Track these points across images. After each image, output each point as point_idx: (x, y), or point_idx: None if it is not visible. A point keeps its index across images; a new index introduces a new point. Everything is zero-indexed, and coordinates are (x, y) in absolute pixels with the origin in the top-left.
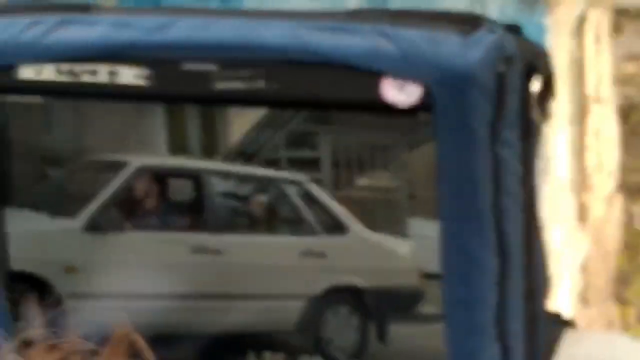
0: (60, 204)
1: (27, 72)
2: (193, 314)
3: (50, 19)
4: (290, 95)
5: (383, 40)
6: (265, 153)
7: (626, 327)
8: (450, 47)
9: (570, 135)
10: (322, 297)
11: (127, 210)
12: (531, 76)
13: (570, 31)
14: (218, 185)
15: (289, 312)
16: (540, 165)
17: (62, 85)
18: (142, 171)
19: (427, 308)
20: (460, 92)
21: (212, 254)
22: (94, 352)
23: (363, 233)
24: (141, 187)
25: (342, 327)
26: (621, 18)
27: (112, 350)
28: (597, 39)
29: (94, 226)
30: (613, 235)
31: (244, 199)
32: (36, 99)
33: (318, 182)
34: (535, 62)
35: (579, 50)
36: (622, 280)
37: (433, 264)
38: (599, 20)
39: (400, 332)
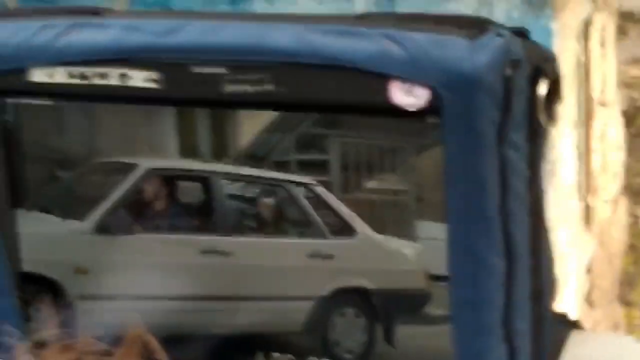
0: (71, 206)
1: (38, 75)
2: (202, 315)
3: (62, 22)
4: (299, 98)
5: (391, 44)
6: (275, 156)
7: (631, 329)
8: (457, 50)
9: (576, 138)
10: (329, 299)
11: (137, 212)
12: (538, 79)
13: (576, 35)
14: (227, 188)
15: (297, 313)
16: (546, 167)
17: (73, 88)
18: (151, 173)
19: (434, 310)
20: (468, 95)
21: (221, 255)
22: (107, 353)
23: (370, 235)
24: (150, 189)
25: (349, 329)
26: (625, 22)
27: (126, 350)
28: (603, 43)
29: (104, 228)
30: (618, 237)
31: (252, 201)
32: (48, 102)
33: (327, 184)
34: (543, 65)
35: (584, 53)
36: (627, 282)
37: (440, 266)
38: (605, 24)
39: (407, 333)
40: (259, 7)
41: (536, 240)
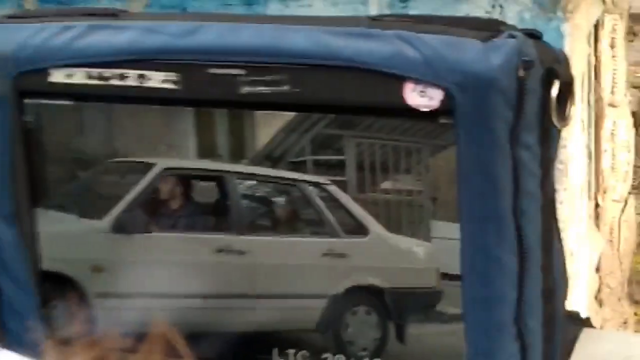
0: (88, 205)
1: (58, 76)
2: (216, 313)
3: (81, 24)
4: (315, 99)
5: (405, 46)
6: (291, 156)
7: None
8: (471, 52)
9: (586, 138)
10: (342, 297)
11: (153, 211)
12: (551, 81)
13: (587, 36)
14: (241, 187)
15: (311, 311)
16: (558, 167)
17: (92, 89)
18: (167, 173)
19: (446, 308)
20: (481, 97)
21: (235, 254)
22: (131, 350)
23: (383, 234)
24: (166, 188)
25: (362, 326)
26: (635, 23)
27: (150, 347)
28: (613, 44)
29: (121, 227)
30: (627, 236)
31: (266, 200)
32: (67, 102)
33: (343, 185)
34: (555, 67)
35: (594, 55)
36: (636, 281)
37: (453, 265)
38: (615, 26)
39: (420, 331)
40: (274, 10)
41: (548, 239)
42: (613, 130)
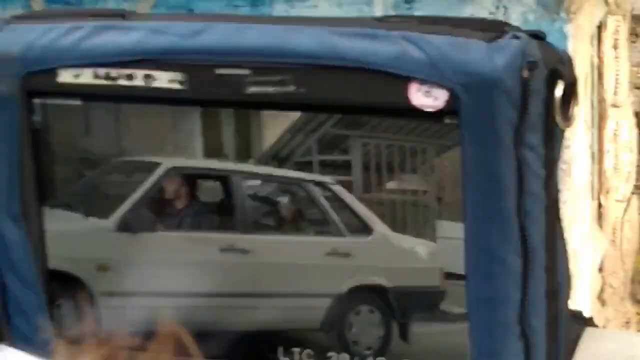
0: (94, 204)
1: (65, 76)
2: (221, 312)
3: (88, 25)
4: (320, 99)
5: (411, 46)
6: (297, 156)
7: None
8: (476, 53)
9: (589, 138)
10: (346, 296)
11: (158, 211)
12: (555, 82)
13: (590, 38)
14: (246, 187)
15: (315, 310)
16: (561, 168)
17: (99, 89)
18: (172, 172)
19: (450, 307)
20: (486, 97)
21: (240, 253)
22: (140, 348)
23: (387, 234)
24: (172, 187)
25: (366, 325)
26: (638, 25)
27: (159, 345)
28: (615, 45)
29: (126, 226)
30: (630, 236)
31: (271, 200)
32: (75, 102)
33: (349, 184)
34: (559, 68)
35: (597, 56)
36: (638, 281)
37: (457, 265)
38: (618, 27)
39: (423, 330)
40: (279, 10)
41: (551, 239)
42: (616, 130)
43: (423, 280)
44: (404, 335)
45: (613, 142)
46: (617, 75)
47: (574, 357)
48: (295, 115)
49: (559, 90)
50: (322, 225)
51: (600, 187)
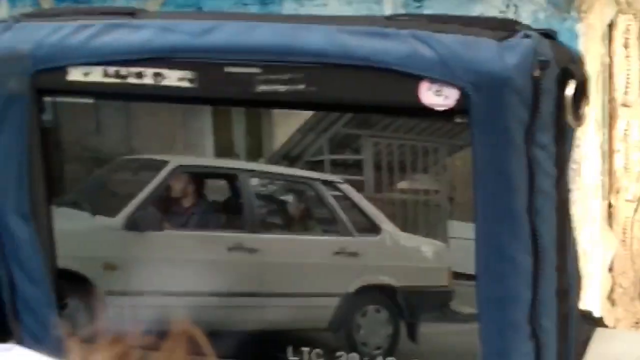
0: (101, 202)
1: (75, 74)
2: (228, 311)
3: (98, 23)
4: (330, 98)
5: (421, 45)
6: (309, 156)
7: None
8: (486, 51)
9: (600, 138)
10: (355, 296)
11: (166, 209)
12: (566, 81)
13: (601, 37)
14: (254, 185)
15: (323, 310)
16: (572, 167)
17: (109, 87)
18: (180, 170)
19: (459, 307)
20: (497, 96)
21: (247, 252)
22: (153, 347)
23: (395, 233)
24: (179, 186)
25: (374, 325)
26: None
27: (173, 344)
28: (626, 45)
29: (134, 224)
30: None
31: (279, 198)
32: (84, 100)
33: (360, 184)
34: (570, 67)
35: (608, 55)
36: None
37: (466, 265)
38: (628, 26)
39: (432, 331)
40: (289, 9)
41: (562, 239)
42: (626, 130)
43: (432, 280)
44: (412, 335)
45: (623, 141)
46: (627, 74)
47: (584, 357)
48: (307, 114)
49: (570, 90)
50: (330, 225)
51: (610, 187)
